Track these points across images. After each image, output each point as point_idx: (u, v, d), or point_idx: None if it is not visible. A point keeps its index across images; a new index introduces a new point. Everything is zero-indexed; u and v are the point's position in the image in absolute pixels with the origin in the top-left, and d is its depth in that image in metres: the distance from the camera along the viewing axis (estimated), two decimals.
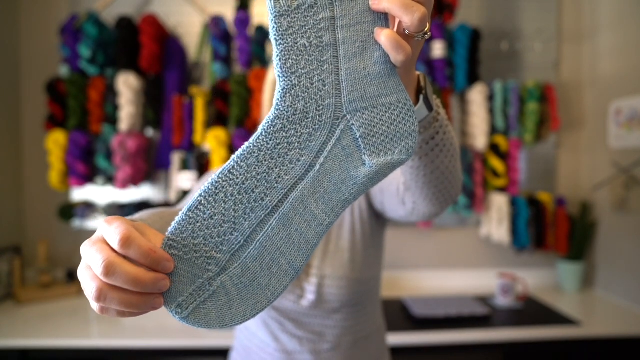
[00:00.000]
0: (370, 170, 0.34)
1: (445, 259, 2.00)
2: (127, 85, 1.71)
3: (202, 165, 1.74)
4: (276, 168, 0.33)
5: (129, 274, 0.31)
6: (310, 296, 0.78)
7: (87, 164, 1.74)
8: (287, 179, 0.33)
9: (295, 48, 0.32)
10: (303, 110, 0.33)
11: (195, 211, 0.32)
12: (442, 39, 1.75)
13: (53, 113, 1.75)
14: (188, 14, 1.90)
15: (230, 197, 0.32)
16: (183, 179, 1.73)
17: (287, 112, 0.33)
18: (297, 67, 0.32)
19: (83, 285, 0.33)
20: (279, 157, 0.33)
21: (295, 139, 0.33)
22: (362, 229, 0.80)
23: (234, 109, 1.72)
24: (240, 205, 0.32)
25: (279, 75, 0.33)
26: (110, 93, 1.74)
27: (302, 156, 0.34)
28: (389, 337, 1.39)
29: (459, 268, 2.00)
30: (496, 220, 1.85)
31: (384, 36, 0.34)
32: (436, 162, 0.52)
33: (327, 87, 0.33)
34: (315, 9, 0.32)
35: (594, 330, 1.48)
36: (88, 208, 1.80)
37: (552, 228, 1.88)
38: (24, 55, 1.90)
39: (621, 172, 1.75)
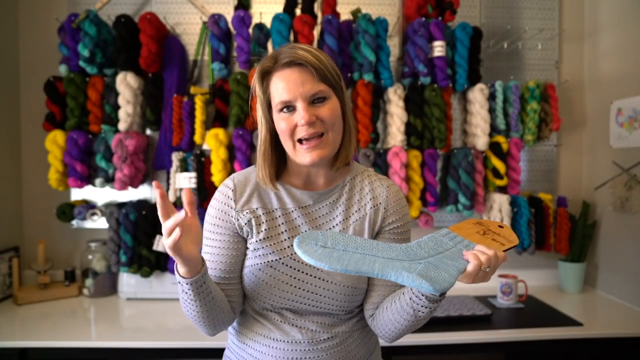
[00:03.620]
0: (422, 268, 0.69)
1: None
2: (126, 84, 1.70)
3: (201, 165, 1.73)
4: (421, 250, 0.72)
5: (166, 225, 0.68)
6: (314, 295, 0.83)
7: (86, 164, 1.73)
8: (423, 255, 0.73)
9: (433, 241, 0.73)
10: (417, 246, 0.72)
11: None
12: (442, 38, 1.73)
13: (52, 113, 1.74)
14: (188, 13, 1.89)
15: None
16: (182, 179, 1.72)
17: (420, 244, 0.73)
18: (429, 242, 0.73)
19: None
20: (419, 249, 0.73)
21: (419, 250, 0.72)
22: None
23: (234, 109, 1.71)
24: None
25: (428, 237, 0.74)
26: (109, 92, 1.73)
27: (425, 254, 0.72)
28: None
29: None
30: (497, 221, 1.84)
31: (474, 266, 0.67)
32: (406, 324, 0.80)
33: (429, 252, 0.71)
34: (447, 238, 0.75)
35: (595, 330, 1.47)
36: (87, 208, 1.79)
37: (553, 228, 1.88)
38: (23, 54, 1.90)
39: (622, 172, 1.74)
